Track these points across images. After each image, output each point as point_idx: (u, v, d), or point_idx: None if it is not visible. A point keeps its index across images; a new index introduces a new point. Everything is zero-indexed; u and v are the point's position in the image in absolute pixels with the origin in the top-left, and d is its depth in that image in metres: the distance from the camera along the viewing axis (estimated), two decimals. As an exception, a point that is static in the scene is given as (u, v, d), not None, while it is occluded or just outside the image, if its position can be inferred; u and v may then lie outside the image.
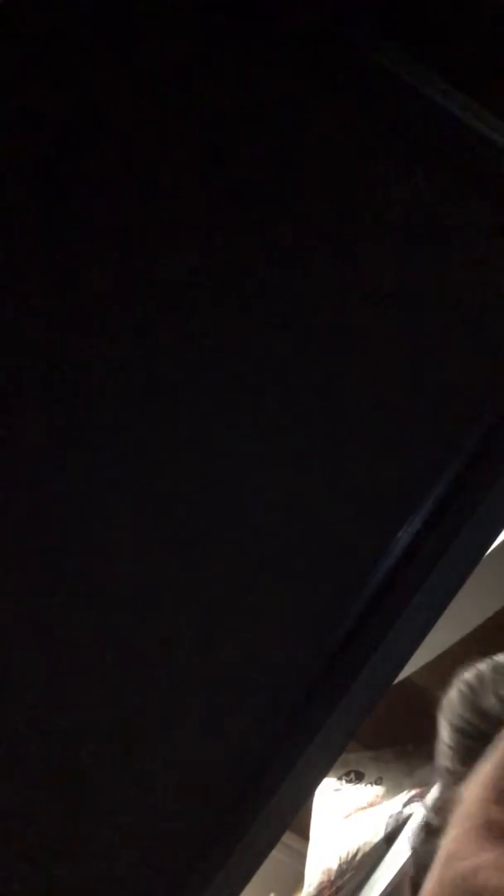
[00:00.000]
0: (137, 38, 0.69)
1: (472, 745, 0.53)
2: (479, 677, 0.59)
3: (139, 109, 0.69)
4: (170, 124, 0.70)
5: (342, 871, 1.78)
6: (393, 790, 1.88)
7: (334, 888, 1.77)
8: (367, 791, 1.92)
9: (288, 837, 1.92)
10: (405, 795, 1.83)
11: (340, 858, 1.79)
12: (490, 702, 0.57)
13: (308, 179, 0.71)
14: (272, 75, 0.70)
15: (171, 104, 0.69)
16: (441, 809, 0.51)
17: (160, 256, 0.70)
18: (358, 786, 1.96)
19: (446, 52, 0.71)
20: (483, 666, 0.59)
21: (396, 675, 0.76)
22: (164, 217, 0.70)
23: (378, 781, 1.93)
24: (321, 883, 1.79)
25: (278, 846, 0.75)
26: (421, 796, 1.79)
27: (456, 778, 0.52)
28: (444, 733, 0.58)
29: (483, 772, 0.47)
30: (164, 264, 0.70)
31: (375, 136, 0.71)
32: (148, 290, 0.70)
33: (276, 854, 1.70)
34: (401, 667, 0.75)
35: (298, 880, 1.86)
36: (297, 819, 0.75)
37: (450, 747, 0.57)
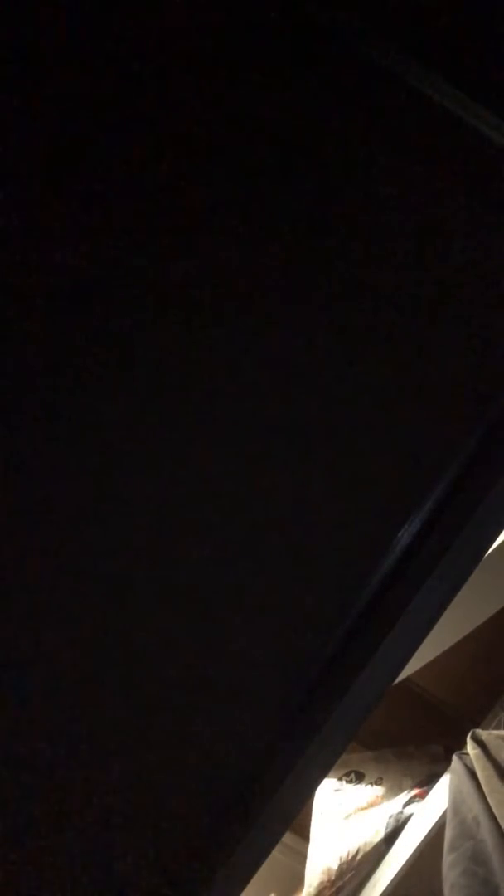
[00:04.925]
0: (133, 33, 0.69)
1: None
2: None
3: (133, 108, 0.69)
4: (165, 125, 0.70)
5: (342, 871, 1.78)
6: (393, 790, 1.88)
7: (334, 888, 1.77)
8: (367, 791, 1.93)
9: (288, 837, 1.92)
10: (405, 795, 1.84)
11: (340, 858, 1.79)
12: None
13: (305, 179, 0.71)
14: (270, 75, 0.70)
15: (167, 104, 0.69)
16: None
17: (160, 257, 0.70)
18: (358, 786, 1.96)
19: (446, 52, 0.71)
20: None
21: (397, 675, 0.76)
22: (162, 218, 0.70)
23: (378, 782, 1.94)
24: (321, 883, 1.79)
25: (278, 846, 0.75)
26: (421, 796, 1.80)
27: None
28: None
29: None
30: (165, 265, 0.70)
31: (374, 135, 0.71)
32: (149, 290, 0.70)
33: (276, 854, 1.70)
34: (401, 667, 0.75)
35: (298, 880, 1.86)
36: (297, 819, 0.75)
37: None
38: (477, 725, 1.73)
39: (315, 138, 0.71)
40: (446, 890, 1.41)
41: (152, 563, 0.70)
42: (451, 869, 1.42)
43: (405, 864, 1.66)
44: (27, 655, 0.68)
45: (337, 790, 1.97)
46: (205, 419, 0.70)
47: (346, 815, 1.88)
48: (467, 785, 1.49)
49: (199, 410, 0.70)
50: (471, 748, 1.55)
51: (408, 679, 1.86)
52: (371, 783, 1.94)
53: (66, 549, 0.69)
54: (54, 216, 0.68)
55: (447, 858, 1.44)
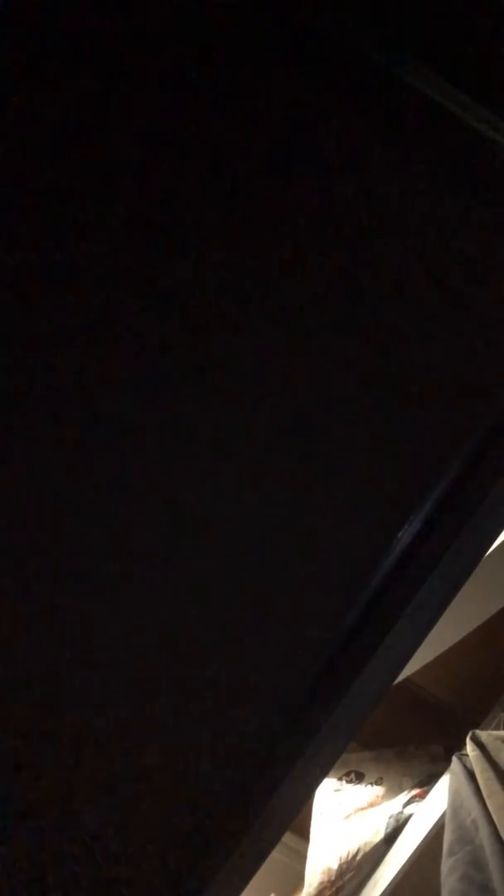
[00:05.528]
0: (135, 38, 0.69)
1: None
2: None
3: (136, 110, 0.69)
4: (168, 126, 0.70)
5: (342, 871, 1.78)
6: (393, 790, 1.88)
7: (334, 888, 1.77)
8: (367, 791, 1.93)
9: (288, 837, 1.92)
10: (405, 795, 1.84)
11: (340, 858, 1.79)
12: None
13: (307, 180, 0.71)
14: (271, 75, 0.70)
15: (169, 106, 0.69)
16: None
17: (164, 259, 0.70)
18: (358, 786, 1.96)
19: (446, 52, 0.71)
20: None
21: (397, 675, 0.76)
22: (165, 220, 0.70)
23: (378, 781, 1.94)
24: (321, 883, 1.79)
25: (278, 846, 0.75)
26: (421, 796, 1.80)
27: None
28: None
29: None
30: (168, 267, 0.70)
31: (375, 135, 0.71)
32: (152, 292, 0.70)
33: (276, 854, 1.70)
34: (401, 667, 0.75)
35: (298, 880, 1.86)
36: (297, 819, 0.75)
37: None
38: (477, 726, 1.73)
39: (315, 138, 0.71)
40: (444, 895, 1.41)
41: (153, 563, 0.70)
42: (449, 874, 1.41)
43: (405, 864, 1.66)
44: (28, 654, 0.68)
45: (337, 790, 1.97)
46: (207, 421, 0.70)
47: (346, 815, 1.88)
48: (466, 788, 1.49)
49: (201, 412, 0.70)
50: (470, 749, 1.55)
51: (408, 679, 1.87)
52: (371, 783, 1.94)
53: (68, 549, 0.69)
54: (55, 216, 0.68)
55: (446, 863, 1.44)
